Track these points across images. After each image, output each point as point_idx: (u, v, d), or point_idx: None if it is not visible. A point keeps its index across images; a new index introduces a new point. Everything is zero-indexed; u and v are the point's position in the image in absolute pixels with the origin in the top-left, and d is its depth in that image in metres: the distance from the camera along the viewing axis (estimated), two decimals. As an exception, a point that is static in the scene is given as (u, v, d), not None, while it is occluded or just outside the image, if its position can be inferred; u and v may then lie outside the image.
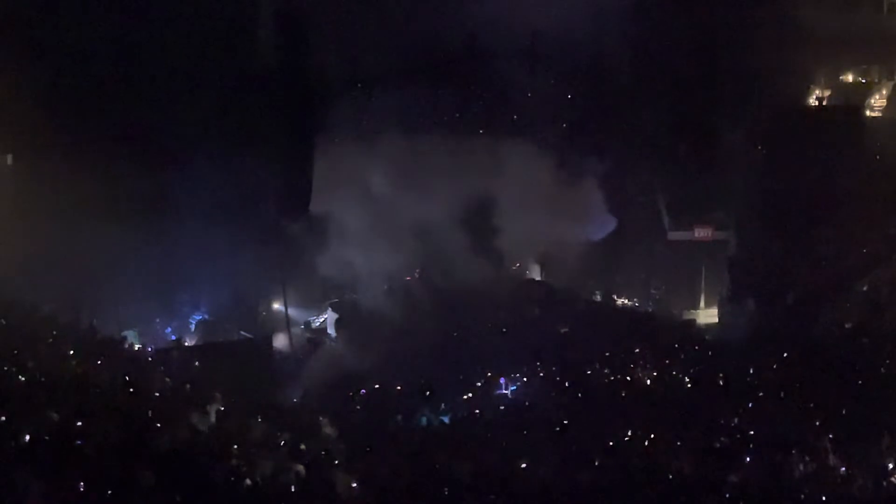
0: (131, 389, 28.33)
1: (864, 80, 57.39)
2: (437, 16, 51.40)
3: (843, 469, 24.77)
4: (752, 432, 27.50)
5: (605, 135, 53.06)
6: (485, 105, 53.20)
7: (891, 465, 24.55)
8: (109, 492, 19.38)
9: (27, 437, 20.25)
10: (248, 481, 21.85)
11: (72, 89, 41.71)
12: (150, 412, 25.48)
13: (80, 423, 21.67)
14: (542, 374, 38.32)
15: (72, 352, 30.69)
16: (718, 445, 26.84)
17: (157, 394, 29.21)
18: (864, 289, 42.23)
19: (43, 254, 38.41)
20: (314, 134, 48.10)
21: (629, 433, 27.95)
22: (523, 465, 25.59)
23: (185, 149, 44.35)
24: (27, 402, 22.58)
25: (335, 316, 49.23)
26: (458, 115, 51.32)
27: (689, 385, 33.64)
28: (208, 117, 45.14)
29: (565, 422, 29.52)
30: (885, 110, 55.96)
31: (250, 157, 46.58)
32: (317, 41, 48.65)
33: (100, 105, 42.57)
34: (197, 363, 38.65)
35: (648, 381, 34.79)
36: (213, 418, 27.40)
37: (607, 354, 38.72)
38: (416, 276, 52.73)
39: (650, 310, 51.31)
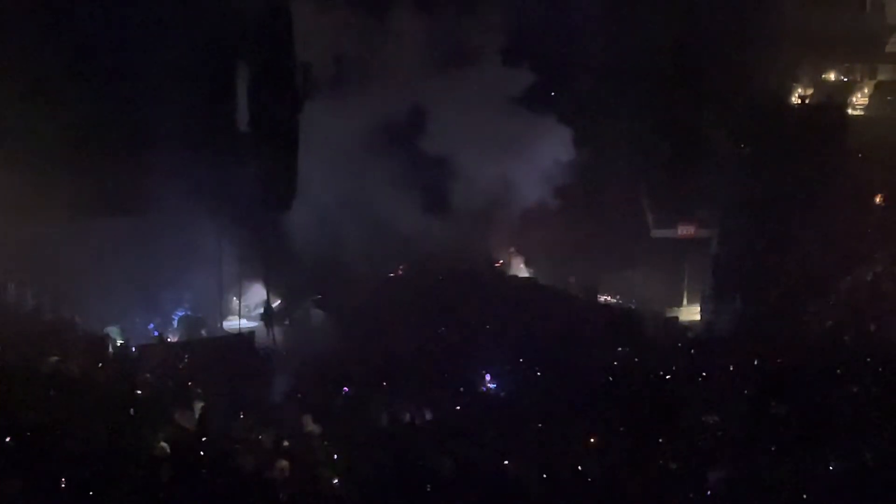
0: (113, 386, 28.32)
1: (846, 79, 57.67)
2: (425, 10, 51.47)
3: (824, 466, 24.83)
4: (733, 429, 27.57)
5: (587, 132, 52.96)
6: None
7: (871, 461, 24.63)
8: (91, 490, 19.34)
9: (6, 436, 20.21)
10: (229, 478, 21.85)
11: (49, 81, 41.32)
12: (132, 409, 25.50)
13: (60, 421, 21.65)
14: (525, 371, 38.36)
15: (53, 349, 30.59)
16: (700, 443, 26.93)
17: (139, 391, 29.18)
18: (846, 287, 42.51)
19: (23, 250, 38.20)
20: (298, 124, 47.76)
21: (612, 430, 27.99)
22: (506, 462, 25.61)
23: (166, 141, 44.04)
24: (6, 400, 22.54)
25: (318, 312, 49.17)
26: (440, 114, 51.13)
27: (670, 382, 33.67)
28: (189, 109, 44.86)
29: (548, 418, 29.57)
30: (867, 109, 56.26)
31: (233, 148, 46.34)
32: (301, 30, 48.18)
33: (78, 98, 42.19)
34: (185, 360, 38.50)
35: (631, 379, 34.79)
36: (196, 415, 27.43)
37: (590, 351, 38.85)
38: (400, 271, 52.83)
39: (633, 306, 51.36)
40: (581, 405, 31.06)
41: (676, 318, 49.66)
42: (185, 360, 38.01)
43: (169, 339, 44.92)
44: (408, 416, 31.77)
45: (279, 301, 50.04)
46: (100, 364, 32.38)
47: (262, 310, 48.67)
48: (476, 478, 24.33)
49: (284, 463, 22.77)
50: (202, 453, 23.03)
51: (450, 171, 50.60)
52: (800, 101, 56.43)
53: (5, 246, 37.54)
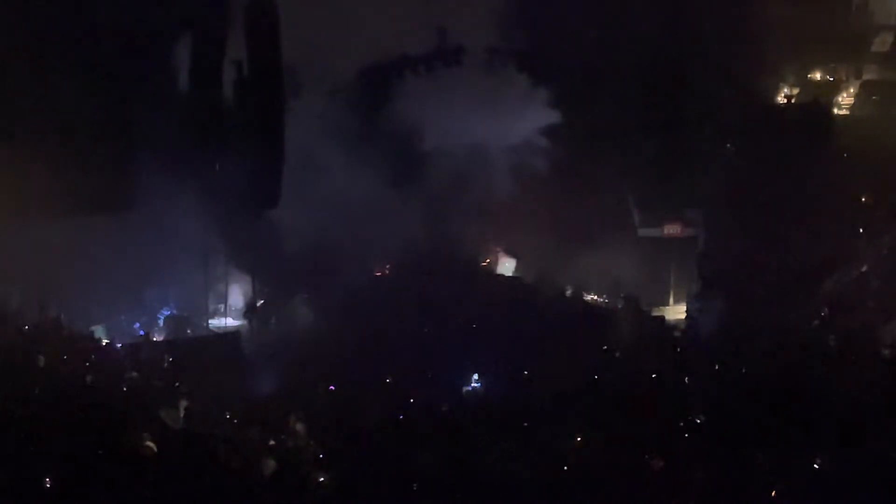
0: (99, 385, 28.23)
1: (832, 79, 57.84)
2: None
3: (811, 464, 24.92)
4: (718, 428, 27.64)
5: (574, 130, 52.98)
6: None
7: (858, 459, 24.71)
8: (77, 488, 19.30)
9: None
10: (215, 476, 21.81)
11: (34, 79, 41.15)
12: (118, 408, 25.42)
13: (47, 420, 21.59)
14: (511, 370, 38.41)
15: (39, 348, 30.51)
16: (686, 442, 26.99)
17: (125, 388, 29.15)
18: (832, 287, 42.68)
19: (8, 249, 38.01)
20: (284, 123, 47.67)
21: (597, 429, 28.03)
22: (492, 461, 25.62)
23: (152, 139, 43.92)
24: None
25: (305, 310, 49.08)
26: (425, 111, 51.14)
27: (656, 381, 33.71)
28: (175, 108, 44.77)
29: (534, 417, 29.61)
30: (852, 108, 56.47)
31: (219, 146, 46.25)
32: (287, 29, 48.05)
33: (63, 97, 42.03)
34: (170, 359, 38.42)
35: (616, 378, 34.85)
36: (181, 414, 27.39)
37: (576, 351, 38.88)
38: (387, 271, 52.77)
39: (620, 306, 51.35)
40: (567, 404, 31.12)
41: (662, 317, 49.68)
42: (171, 360, 37.95)
43: (155, 338, 44.85)
44: (394, 415, 31.78)
45: (263, 300, 49.99)
46: (86, 363, 32.32)
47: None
48: (462, 476, 24.36)
49: (270, 461, 22.78)
50: (188, 452, 23.02)
51: (437, 167, 50.60)
52: (786, 101, 56.63)
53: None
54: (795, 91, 57.18)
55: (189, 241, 45.49)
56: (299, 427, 27.55)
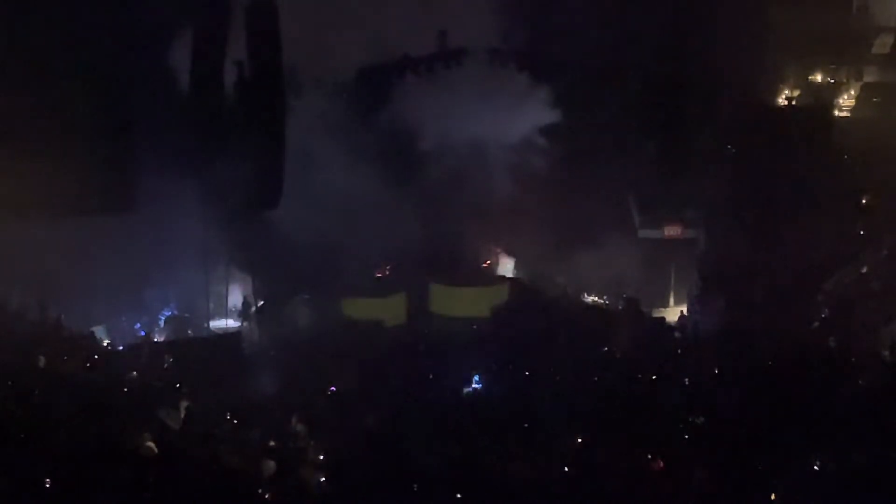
0: (99, 385, 28.28)
1: (833, 81, 57.96)
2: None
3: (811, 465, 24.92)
4: (719, 430, 27.65)
5: (574, 131, 52.99)
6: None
7: (858, 461, 24.73)
8: (77, 490, 19.29)
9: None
10: (215, 477, 21.83)
11: (34, 78, 41.07)
12: (118, 409, 25.46)
13: (47, 421, 21.60)
14: (512, 371, 38.43)
15: (39, 348, 30.56)
16: (686, 444, 27.00)
17: (125, 389, 29.17)
18: (832, 288, 42.69)
19: (8, 249, 38.02)
20: (284, 123, 47.60)
21: (597, 430, 28.04)
22: (493, 461, 25.63)
23: (152, 139, 43.86)
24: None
25: (307, 312, 49.12)
26: (425, 112, 51.17)
27: (656, 383, 33.74)
28: (175, 107, 44.71)
29: (535, 418, 29.62)
30: (853, 110, 56.55)
31: (219, 146, 46.17)
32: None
33: (61, 95, 41.92)
34: (171, 359, 38.46)
35: (617, 379, 34.86)
36: (181, 414, 27.44)
37: (577, 352, 38.92)
38: (387, 272, 52.79)
39: (620, 307, 51.41)
40: (567, 406, 31.13)
41: (663, 318, 49.69)
42: (171, 360, 37.99)
43: (155, 339, 44.88)
44: (395, 416, 31.78)
45: (262, 301, 49.98)
46: (87, 364, 32.37)
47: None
48: (463, 477, 24.36)
49: (271, 463, 22.78)
50: (188, 452, 23.04)
51: (437, 167, 50.59)
52: (786, 103, 56.71)
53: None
54: (796, 93, 57.28)
55: (190, 241, 45.48)
56: (300, 428, 27.57)
